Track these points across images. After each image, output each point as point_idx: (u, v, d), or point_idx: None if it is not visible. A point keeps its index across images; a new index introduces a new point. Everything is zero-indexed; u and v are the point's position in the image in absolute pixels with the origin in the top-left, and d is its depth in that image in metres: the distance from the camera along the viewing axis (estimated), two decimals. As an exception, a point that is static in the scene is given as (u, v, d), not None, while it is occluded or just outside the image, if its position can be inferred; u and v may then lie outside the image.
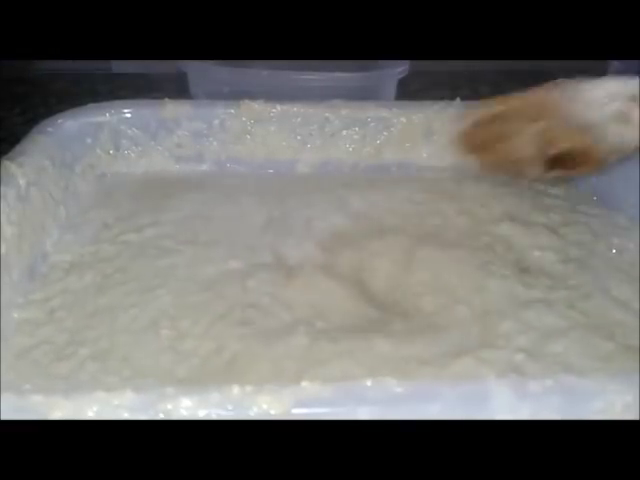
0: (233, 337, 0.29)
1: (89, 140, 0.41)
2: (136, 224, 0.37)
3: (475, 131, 0.39)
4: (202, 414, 0.20)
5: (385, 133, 0.44)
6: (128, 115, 0.42)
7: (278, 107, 0.43)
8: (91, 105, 0.42)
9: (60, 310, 0.31)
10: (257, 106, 0.43)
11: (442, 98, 0.45)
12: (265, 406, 0.20)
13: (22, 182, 0.33)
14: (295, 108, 0.43)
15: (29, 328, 0.30)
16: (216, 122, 0.43)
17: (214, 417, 0.20)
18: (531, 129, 0.37)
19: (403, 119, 0.44)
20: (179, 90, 0.54)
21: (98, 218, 0.38)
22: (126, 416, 0.20)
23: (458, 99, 0.44)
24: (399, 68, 0.52)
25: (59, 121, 0.40)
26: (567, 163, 0.37)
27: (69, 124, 0.40)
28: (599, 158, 0.36)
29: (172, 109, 0.43)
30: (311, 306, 0.31)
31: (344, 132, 0.44)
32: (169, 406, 0.20)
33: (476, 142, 0.39)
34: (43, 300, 0.31)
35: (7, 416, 0.19)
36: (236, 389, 0.21)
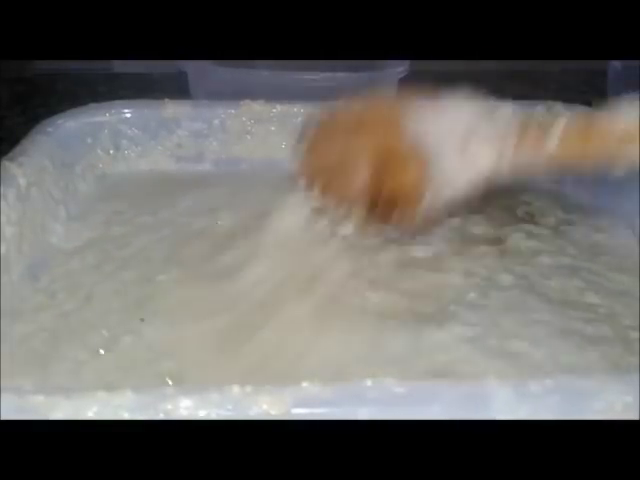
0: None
1: (89, 140, 0.41)
2: (133, 224, 0.37)
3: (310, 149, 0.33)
4: (202, 414, 0.20)
5: (385, 133, 0.44)
6: (128, 115, 0.42)
7: (278, 107, 0.43)
8: (91, 105, 0.42)
9: (60, 292, 0.31)
10: (257, 106, 0.43)
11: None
12: (265, 406, 0.20)
13: (22, 182, 0.33)
14: (295, 108, 0.43)
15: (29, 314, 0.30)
16: (216, 122, 0.43)
17: (214, 417, 0.20)
18: (361, 143, 0.31)
19: (403, 119, 0.44)
20: (179, 90, 0.54)
21: (97, 218, 0.38)
22: (126, 416, 0.20)
23: (458, 99, 0.44)
24: (399, 68, 0.52)
25: (59, 121, 0.40)
26: (389, 200, 0.30)
27: (69, 124, 0.40)
28: (423, 201, 0.29)
29: (172, 109, 0.43)
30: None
31: (344, 132, 0.44)
32: (169, 406, 0.20)
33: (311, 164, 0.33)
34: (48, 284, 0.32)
35: (7, 416, 0.19)
36: (236, 389, 0.21)
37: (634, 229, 0.37)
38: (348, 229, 0.31)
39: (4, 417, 0.19)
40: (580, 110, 0.43)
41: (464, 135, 0.29)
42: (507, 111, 0.29)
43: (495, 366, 0.27)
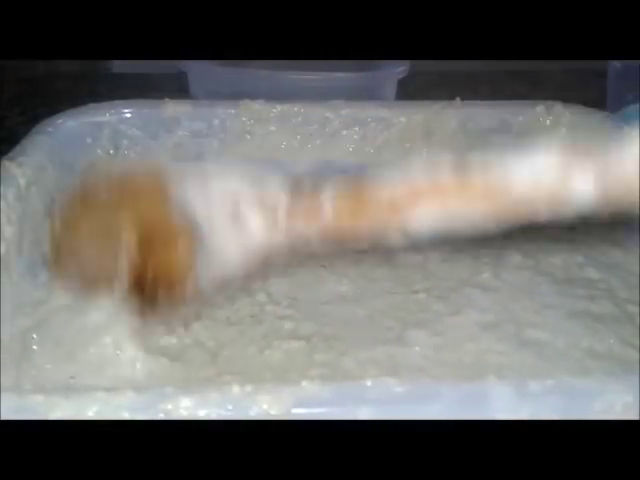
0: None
1: (89, 140, 0.41)
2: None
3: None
4: (202, 414, 0.20)
5: (385, 133, 0.44)
6: (128, 115, 0.42)
7: (278, 107, 0.43)
8: (91, 105, 0.42)
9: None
10: (257, 106, 0.43)
11: (442, 98, 0.44)
12: (265, 406, 0.20)
13: (22, 182, 0.33)
14: (295, 108, 0.43)
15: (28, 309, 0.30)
16: (216, 122, 0.43)
17: (214, 417, 0.20)
18: (122, 219, 0.27)
19: (403, 119, 0.44)
20: (179, 90, 0.54)
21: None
22: (126, 416, 0.20)
23: (458, 99, 0.44)
24: (399, 68, 0.52)
25: (59, 121, 0.40)
26: (154, 281, 0.26)
27: (69, 124, 0.40)
28: (192, 280, 0.26)
29: (172, 109, 0.43)
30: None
31: (344, 132, 0.44)
32: (169, 406, 0.20)
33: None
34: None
35: (7, 416, 0.19)
36: (236, 389, 0.21)
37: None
38: (103, 313, 0.28)
39: (4, 417, 0.19)
40: (579, 113, 0.43)
41: (233, 206, 0.27)
42: (276, 178, 0.27)
43: (522, 357, 0.28)
